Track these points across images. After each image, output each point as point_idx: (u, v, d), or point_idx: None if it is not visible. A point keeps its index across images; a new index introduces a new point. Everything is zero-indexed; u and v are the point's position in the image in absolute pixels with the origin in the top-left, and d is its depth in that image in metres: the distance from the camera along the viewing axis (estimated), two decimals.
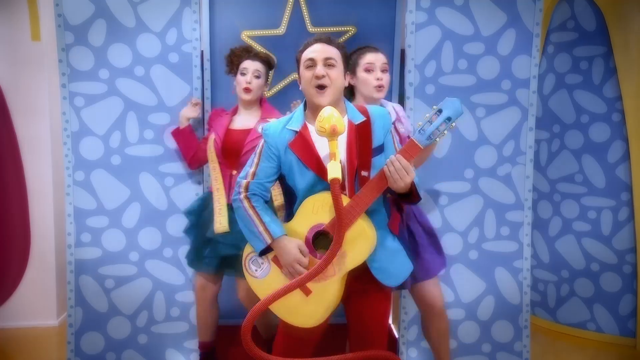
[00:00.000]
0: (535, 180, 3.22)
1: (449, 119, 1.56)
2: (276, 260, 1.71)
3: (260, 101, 2.42)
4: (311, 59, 1.66)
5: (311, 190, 1.67)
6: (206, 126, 2.57)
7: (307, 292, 1.67)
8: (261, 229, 1.67)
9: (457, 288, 2.55)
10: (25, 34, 3.03)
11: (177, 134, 2.38)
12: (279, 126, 1.74)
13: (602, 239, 3.02)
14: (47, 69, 3.09)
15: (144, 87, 2.45)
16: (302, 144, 1.68)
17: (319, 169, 1.64)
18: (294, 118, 1.75)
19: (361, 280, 1.70)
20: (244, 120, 2.37)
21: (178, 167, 2.48)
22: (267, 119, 2.16)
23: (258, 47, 2.89)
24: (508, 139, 2.51)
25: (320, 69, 1.64)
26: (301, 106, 1.77)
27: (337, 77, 1.67)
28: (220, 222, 2.24)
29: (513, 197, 2.53)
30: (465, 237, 2.54)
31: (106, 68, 2.42)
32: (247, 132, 2.31)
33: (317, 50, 1.67)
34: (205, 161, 2.39)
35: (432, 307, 2.22)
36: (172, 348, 2.54)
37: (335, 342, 1.98)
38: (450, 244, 2.46)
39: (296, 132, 1.70)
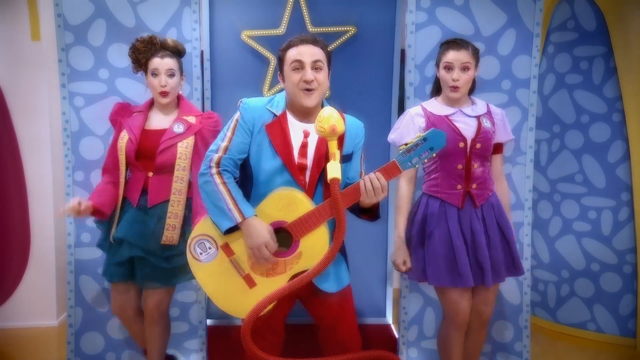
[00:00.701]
0: (536, 180, 3.19)
1: (431, 148, 1.59)
2: (225, 248, 1.68)
3: (178, 98, 2.18)
4: (299, 61, 1.65)
5: (274, 177, 1.67)
6: (107, 121, 2.31)
7: (252, 284, 1.67)
8: (232, 206, 1.62)
9: None
10: (25, 33, 3.00)
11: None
12: (259, 104, 1.72)
13: (602, 239, 2.99)
14: (46, 68, 3.07)
15: (143, 87, 2.38)
16: (278, 129, 1.67)
17: (288, 158, 1.65)
18: (275, 101, 1.73)
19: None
20: (160, 119, 2.14)
21: None
22: (185, 117, 2.10)
23: (258, 47, 2.86)
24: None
25: (309, 74, 1.63)
26: (283, 93, 1.76)
27: (323, 80, 1.68)
28: (112, 231, 2.08)
29: (513, 197, 2.51)
30: None
31: (106, 68, 2.41)
32: (162, 132, 2.08)
33: (304, 53, 1.65)
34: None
35: (479, 316, 2.12)
36: (172, 348, 2.50)
37: (306, 343, 1.96)
38: None
39: (275, 115, 1.70)
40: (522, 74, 2.47)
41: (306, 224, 1.61)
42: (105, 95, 2.42)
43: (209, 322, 2.41)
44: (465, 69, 1.99)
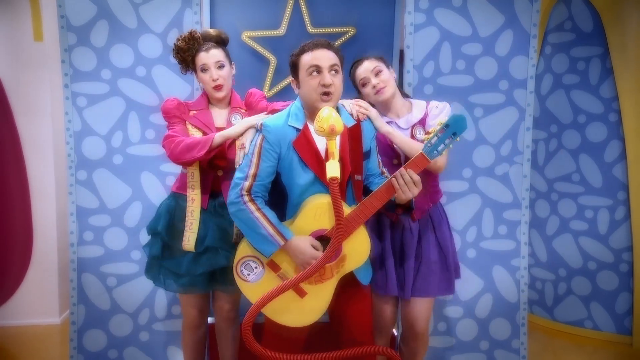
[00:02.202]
0: (533, 179, 3.25)
1: (454, 133, 1.61)
2: (271, 265, 1.71)
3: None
4: (317, 66, 1.67)
5: (307, 190, 1.69)
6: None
7: (302, 293, 1.70)
8: (272, 231, 1.64)
9: (456, 286, 2.56)
10: (28, 34, 3.05)
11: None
12: (279, 122, 1.73)
13: (599, 237, 3.05)
14: (49, 69, 3.11)
15: (145, 88, 2.47)
16: (305, 143, 1.69)
17: (320, 169, 1.66)
18: (293, 115, 1.75)
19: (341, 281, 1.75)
20: (217, 115, 2.08)
21: (179, 166, 2.50)
22: (238, 109, 2.07)
23: (258, 48, 2.89)
24: (505, 139, 2.54)
25: (327, 78, 1.65)
26: (297, 103, 1.77)
27: (340, 84, 1.72)
28: (189, 239, 1.96)
29: (511, 196, 2.56)
30: (463, 236, 2.57)
31: (108, 68, 2.44)
32: (224, 129, 2.00)
33: (322, 57, 1.67)
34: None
35: (411, 327, 2.07)
36: (174, 345, 2.56)
37: (319, 341, 1.96)
38: None
39: (299, 130, 1.71)
40: (519, 75, 2.50)
41: (346, 227, 1.63)
42: (108, 95, 2.46)
43: (210, 320, 2.45)
44: (378, 72, 1.95)
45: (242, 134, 1.89)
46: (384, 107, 2.01)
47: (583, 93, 3.05)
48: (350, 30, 2.91)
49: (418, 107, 2.01)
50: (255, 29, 2.89)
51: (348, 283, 1.77)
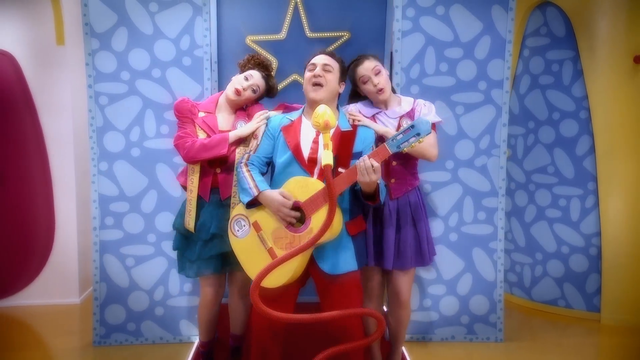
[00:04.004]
0: (513, 171, 3.46)
1: (418, 134, 1.81)
2: (255, 225, 1.95)
3: (245, 107, 2.35)
4: (313, 64, 2.01)
5: (285, 168, 1.96)
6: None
7: (274, 256, 1.87)
8: (252, 184, 1.95)
9: (439, 267, 2.82)
10: (51, 39, 3.23)
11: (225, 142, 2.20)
12: (281, 116, 2.10)
13: (571, 224, 3.22)
14: (70, 70, 3.29)
15: (160, 88, 2.68)
16: (291, 130, 2.00)
17: (296, 151, 1.95)
18: (295, 113, 2.09)
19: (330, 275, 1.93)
20: (227, 120, 2.29)
21: None
22: (243, 117, 2.28)
23: (261, 51, 3.09)
24: (484, 134, 2.75)
25: (318, 70, 1.98)
26: (304, 106, 2.09)
27: (331, 80, 1.98)
28: (188, 222, 2.24)
29: (489, 185, 2.78)
30: (446, 221, 2.79)
31: (127, 70, 2.66)
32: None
33: (318, 58, 2.02)
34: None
35: (396, 296, 2.29)
36: (186, 319, 2.79)
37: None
38: (433, 227, 2.67)
39: (292, 121, 2.04)
40: (496, 76, 2.72)
41: (315, 202, 1.85)
42: (127, 94, 2.68)
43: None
44: (378, 72, 2.14)
45: (251, 133, 2.19)
46: (376, 101, 2.24)
47: (557, 92, 3.22)
48: (345, 35, 3.12)
49: (406, 102, 2.23)
50: (258, 34, 3.12)
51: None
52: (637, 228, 3.08)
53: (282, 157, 1.98)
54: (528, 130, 3.38)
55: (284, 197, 1.89)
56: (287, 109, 2.26)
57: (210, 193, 2.24)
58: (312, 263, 1.94)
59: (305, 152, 1.95)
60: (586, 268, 3.22)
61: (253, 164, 2.04)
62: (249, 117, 2.29)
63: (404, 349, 2.59)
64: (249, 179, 1.98)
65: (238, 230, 1.99)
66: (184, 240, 2.29)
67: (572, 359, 2.70)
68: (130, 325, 2.78)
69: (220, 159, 2.20)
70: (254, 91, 2.28)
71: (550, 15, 3.23)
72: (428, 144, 2.10)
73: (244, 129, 2.22)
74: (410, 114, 2.20)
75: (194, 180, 2.23)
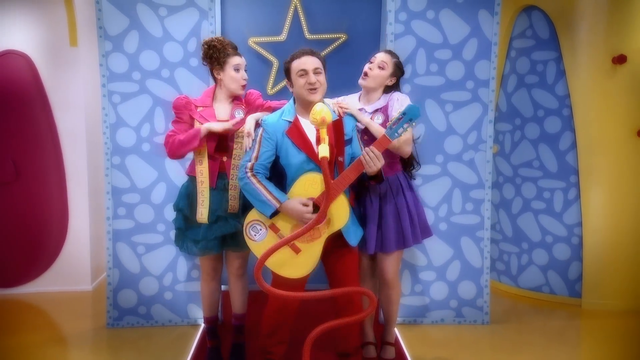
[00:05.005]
0: (501, 165, 3.63)
1: (410, 119, 1.97)
2: (272, 227, 2.07)
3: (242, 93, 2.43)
4: (304, 70, 2.08)
5: (301, 167, 2.07)
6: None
7: (297, 250, 2.06)
8: (269, 197, 2.04)
9: (430, 254, 2.98)
10: (65, 40, 3.37)
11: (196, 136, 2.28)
12: (275, 118, 2.15)
13: (555, 215, 3.37)
14: (83, 70, 3.43)
15: (169, 87, 2.83)
16: (296, 131, 2.10)
17: (309, 151, 2.07)
18: (286, 111, 2.15)
19: (334, 243, 2.12)
20: (225, 109, 2.38)
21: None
22: (240, 105, 2.37)
23: (262, 52, 3.23)
24: (472, 130, 2.91)
25: (312, 77, 2.07)
26: (291, 101, 2.18)
27: (323, 80, 2.13)
28: (202, 213, 2.30)
29: (476, 178, 2.94)
30: (436, 212, 2.95)
31: (138, 71, 2.81)
32: (230, 120, 2.35)
33: (307, 62, 2.08)
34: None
35: (382, 276, 2.44)
36: (193, 303, 2.95)
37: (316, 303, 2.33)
38: None
39: (290, 122, 2.12)
40: (482, 76, 2.88)
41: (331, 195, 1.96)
42: (138, 93, 2.83)
43: (223, 287, 2.67)
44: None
45: (224, 130, 2.26)
46: (366, 97, 2.40)
47: (541, 91, 3.37)
48: (343, 36, 3.26)
49: (384, 98, 2.35)
50: (259, 35, 3.25)
51: (339, 244, 2.12)
52: (617, 218, 3.24)
53: (295, 159, 2.08)
54: (515, 126, 3.53)
55: (304, 204, 2.00)
56: (273, 109, 2.34)
57: (217, 178, 2.33)
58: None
59: (315, 148, 2.07)
60: (569, 256, 3.36)
61: (259, 172, 2.09)
62: (247, 103, 2.39)
63: (396, 330, 2.75)
64: (264, 191, 2.04)
65: (255, 235, 2.08)
66: (186, 220, 2.38)
67: (554, 340, 2.86)
68: (142, 308, 2.93)
69: (225, 147, 2.33)
70: (246, 71, 2.38)
71: (535, 18, 3.38)
72: (404, 140, 2.24)
73: (215, 125, 2.27)
74: (384, 110, 2.32)
75: (203, 172, 2.31)
